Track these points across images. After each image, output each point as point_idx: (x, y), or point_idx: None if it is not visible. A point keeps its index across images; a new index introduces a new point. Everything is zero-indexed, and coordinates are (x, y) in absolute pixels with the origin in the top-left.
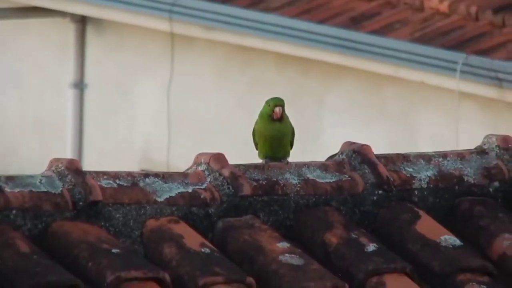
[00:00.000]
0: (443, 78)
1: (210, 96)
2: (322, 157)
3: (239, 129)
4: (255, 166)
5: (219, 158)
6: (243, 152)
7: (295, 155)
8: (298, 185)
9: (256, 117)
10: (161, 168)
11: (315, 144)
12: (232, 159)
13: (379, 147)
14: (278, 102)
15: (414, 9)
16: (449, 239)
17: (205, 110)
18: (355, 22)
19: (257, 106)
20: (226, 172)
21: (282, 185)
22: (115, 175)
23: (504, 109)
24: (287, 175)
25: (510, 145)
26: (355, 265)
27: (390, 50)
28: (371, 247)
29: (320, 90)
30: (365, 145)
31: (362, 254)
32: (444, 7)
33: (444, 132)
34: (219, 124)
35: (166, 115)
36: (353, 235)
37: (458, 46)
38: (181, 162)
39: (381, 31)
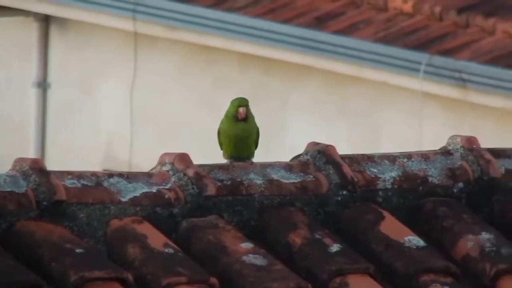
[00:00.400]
0: (406, 78)
1: (173, 95)
2: (285, 156)
3: (202, 128)
4: (220, 166)
5: (184, 158)
6: (207, 151)
7: (259, 155)
8: (263, 186)
9: (219, 116)
10: (123, 166)
11: (278, 143)
12: (196, 159)
13: (342, 147)
14: (242, 102)
15: (378, 9)
16: (412, 239)
17: (168, 109)
18: (319, 22)
19: (221, 106)
20: (190, 172)
21: (246, 185)
22: (79, 175)
23: (467, 110)
24: (252, 175)
25: (474, 146)
26: (319, 265)
27: (353, 50)
28: (335, 247)
29: (284, 90)
30: (330, 145)
31: (326, 255)
32: (408, 7)
33: (407, 132)
34: (182, 123)
35: (129, 114)
36: (317, 236)
37: (422, 46)
38: (144, 160)
39: (345, 31)
